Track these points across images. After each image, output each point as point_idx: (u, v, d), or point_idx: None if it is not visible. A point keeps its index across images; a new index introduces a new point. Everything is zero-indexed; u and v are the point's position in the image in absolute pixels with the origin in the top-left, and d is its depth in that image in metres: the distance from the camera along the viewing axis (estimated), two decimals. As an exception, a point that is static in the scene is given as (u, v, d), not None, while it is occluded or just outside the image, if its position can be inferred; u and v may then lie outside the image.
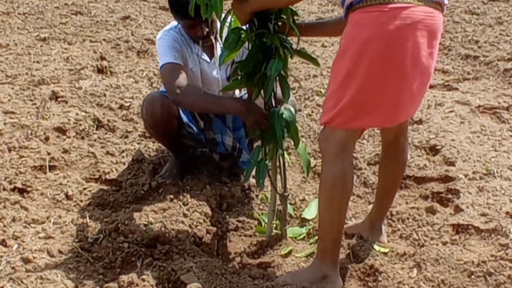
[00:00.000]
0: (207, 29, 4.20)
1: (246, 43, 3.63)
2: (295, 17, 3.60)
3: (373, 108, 3.26)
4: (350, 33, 3.20)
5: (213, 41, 4.28)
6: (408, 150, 3.82)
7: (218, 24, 4.16)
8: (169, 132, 4.36)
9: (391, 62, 3.14)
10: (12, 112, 5.34)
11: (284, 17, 3.53)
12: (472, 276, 3.58)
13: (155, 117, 4.26)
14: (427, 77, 3.30)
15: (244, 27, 3.60)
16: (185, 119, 4.39)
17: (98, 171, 4.59)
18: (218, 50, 4.30)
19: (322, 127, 3.43)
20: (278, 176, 3.90)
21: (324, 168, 3.41)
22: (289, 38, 3.64)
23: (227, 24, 3.65)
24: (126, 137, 5.10)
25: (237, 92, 4.59)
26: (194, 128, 4.45)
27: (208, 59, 4.38)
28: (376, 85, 3.19)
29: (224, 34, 3.71)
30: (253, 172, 3.86)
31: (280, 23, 3.58)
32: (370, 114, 3.28)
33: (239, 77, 3.71)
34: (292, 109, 3.71)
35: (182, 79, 4.06)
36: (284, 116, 3.64)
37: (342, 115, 3.26)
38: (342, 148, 3.34)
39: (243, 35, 3.61)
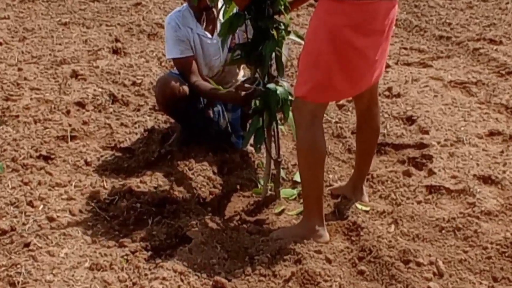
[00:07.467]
0: (208, 1, 4.23)
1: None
2: None
3: (340, 85, 3.35)
4: (321, 18, 3.28)
5: (215, 12, 4.38)
6: (380, 117, 3.83)
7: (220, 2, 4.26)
8: (177, 109, 4.37)
9: (356, 48, 3.26)
10: (38, 89, 5.33)
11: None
12: (443, 231, 3.60)
13: (166, 97, 4.30)
14: (384, 54, 3.48)
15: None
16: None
17: (114, 140, 4.59)
18: (218, 27, 4.39)
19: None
20: (273, 144, 3.90)
21: (298, 135, 3.44)
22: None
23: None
24: (138, 110, 5.08)
25: (241, 74, 4.69)
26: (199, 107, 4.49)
27: (209, 36, 4.43)
28: (342, 67, 3.29)
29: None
30: (251, 141, 3.87)
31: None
32: (337, 90, 3.39)
33: (239, 56, 3.76)
34: (286, 85, 3.73)
35: (192, 71, 4.31)
36: (278, 92, 3.66)
37: (314, 91, 3.33)
38: (313, 117, 3.38)
39: (241, 20, 3.65)
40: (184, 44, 4.33)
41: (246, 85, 3.85)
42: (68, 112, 4.94)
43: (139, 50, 6.29)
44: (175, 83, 4.27)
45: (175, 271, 3.19)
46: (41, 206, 3.75)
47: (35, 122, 4.76)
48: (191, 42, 4.36)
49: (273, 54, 3.68)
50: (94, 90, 5.32)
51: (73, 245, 3.42)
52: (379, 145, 4.49)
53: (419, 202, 3.90)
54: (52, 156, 4.32)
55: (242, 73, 4.71)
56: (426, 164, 4.31)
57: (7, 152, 4.32)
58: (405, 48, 6.34)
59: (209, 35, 4.43)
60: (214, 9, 4.36)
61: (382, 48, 3.40)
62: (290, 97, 3.68)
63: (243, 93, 3.85)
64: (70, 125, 4.73)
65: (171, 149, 4.44)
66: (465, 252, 3.43)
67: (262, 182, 4.05)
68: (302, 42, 3.58)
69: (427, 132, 4.70)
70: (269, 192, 4.00)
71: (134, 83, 5.49)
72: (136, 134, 4.69)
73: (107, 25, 6.91)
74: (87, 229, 3.57)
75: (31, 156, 4.28)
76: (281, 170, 4.00)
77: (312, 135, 3.40)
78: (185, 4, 4.44)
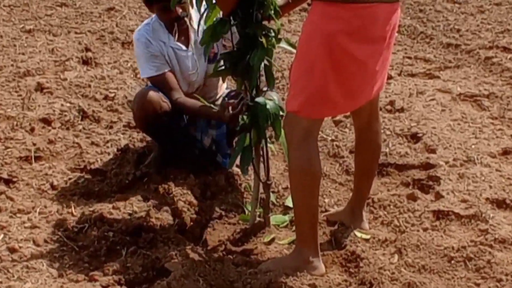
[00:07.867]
0: (180, 10, 4.28)
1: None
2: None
3: (336, 98, 3.35)
4: (315, 23, 3.29)
5: (188, 22, 4.41)
6: (381, 134, 3.84)
7: (191, 10, 4.35)
8: (158, 126, 4.36)
9: (354, 57, 3.27)
10: (-2, 104, 5.34)
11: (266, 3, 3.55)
12: (452, 261, 3.60)
13: (146, 112, 4.29)
14: (385, 64, 3.48)
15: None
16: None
17: (83, 161, 4.58)
18: (192, 37, 4.44)
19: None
20: (262, 165, 3.89)
21: (290, 154, 3.44)
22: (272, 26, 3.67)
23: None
24: (111, 127, 5.09)
25: (224, 86, 4.73)
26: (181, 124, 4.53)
27: (184, 48, 4.46)
28: (339, 78, 3.29)
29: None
30: (237, 161, 3.87)
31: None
32: (333, 103, 3.39)
33: (223, 67, 3.75)
34: (276, 99, 3.73)
35: (173, 88, 4.34)
36: (268, 107, 3.66)
37: (308, 105, 3.33)
38: (307, 134, 3.38)
39: (226, 27, 3.65)
40: (158, 59, 4.36)
41: (232, 101, 3.85)
42: (32, 129, 4.94)
43: (112, 60, 6.30)
44: (156, 97, 4.27)
45: (152, 308, 3.20)
46: (1, 236, 3.73)
47: (-5, 141, 4.75)
48: (166, 57, 4.39)
49: (262, 64, 3.67)
50: (62, 105, 5.32)
51: (37, 279, 3.40)
52: (381, 165, 4.51)
53: (425, 229, 3.90)
54: (14, 179, 4.31)
55: (225, 86, 4.73)
56: (433, 186, 4.32)
57: (-37, 175, 4.32)
58: (409, 57, 6.39)
59: (184, 47, 4.45)
60: (186, 19, 4.38)
61: (383, 57, 3.41)
62: (281, 112, 3.69)
63: (230, 110, 3.83)
64: (34, 145, 4.72)
65: (147, 171, 4.44)
66: (477, 284, 3.44)
67: (249, 208, 4.05)
68: (294, 50, 3.58)
69: (434, 151, 4.72)
70: (258, 219, 3.99)
71: (106, 97, 5.50)
72: (109, 154, 4.68)
73: (76, 33, 6.94)
74: (53, 261, 3.55)
75: (-10, 179, 4.28)
76: (271, 194, 4.00)
77: (306, 155, 3.39)
78: (153, 16, 4.45)
